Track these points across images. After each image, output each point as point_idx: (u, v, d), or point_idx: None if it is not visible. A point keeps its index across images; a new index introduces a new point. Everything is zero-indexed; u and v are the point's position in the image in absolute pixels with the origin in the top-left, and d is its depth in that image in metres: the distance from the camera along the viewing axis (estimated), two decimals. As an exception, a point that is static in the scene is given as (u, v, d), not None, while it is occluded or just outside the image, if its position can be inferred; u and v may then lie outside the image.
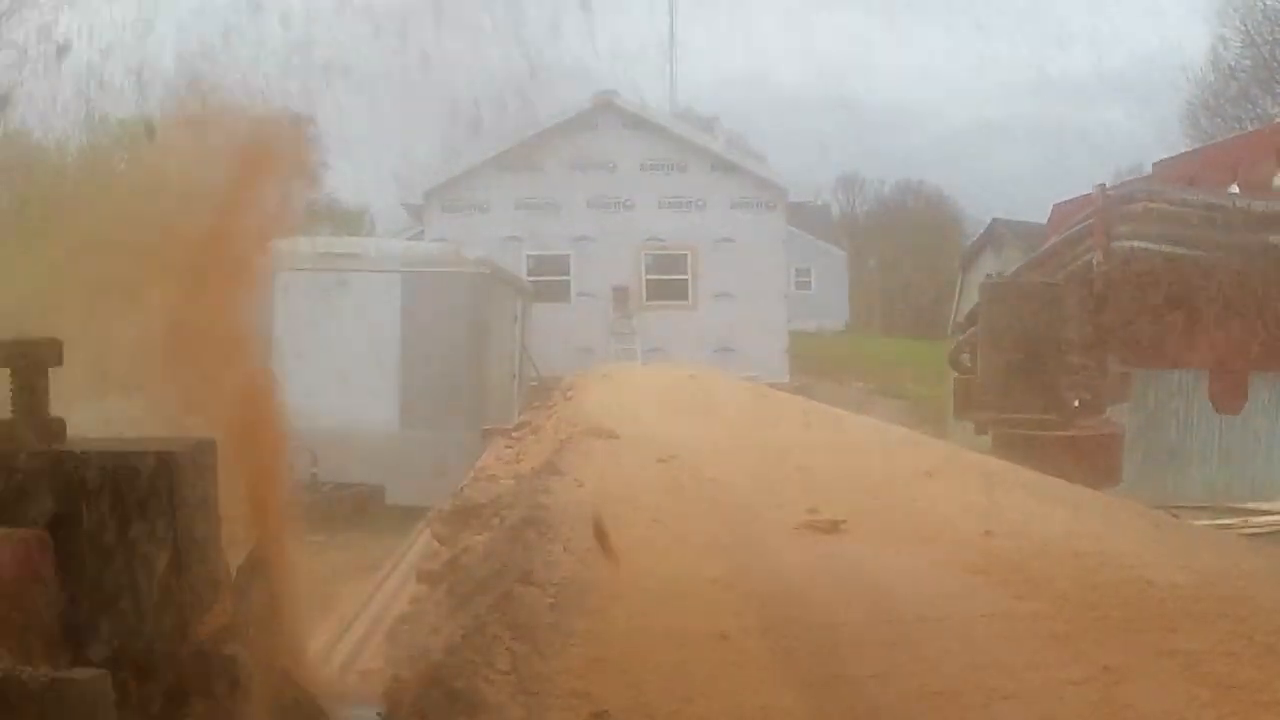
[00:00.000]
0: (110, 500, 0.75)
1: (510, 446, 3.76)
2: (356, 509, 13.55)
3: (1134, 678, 0.81)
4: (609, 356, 18.66)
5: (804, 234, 31.49)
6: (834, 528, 1.31)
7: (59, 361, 0.90)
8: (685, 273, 22.50)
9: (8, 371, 0.83)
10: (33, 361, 0.87)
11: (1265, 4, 23.14)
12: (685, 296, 22.48)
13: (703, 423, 2.76)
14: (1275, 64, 21.49)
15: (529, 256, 21.92)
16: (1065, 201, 6.90)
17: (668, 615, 0.99)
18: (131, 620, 0.73)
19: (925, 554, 1.19)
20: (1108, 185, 6.06)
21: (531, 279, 20.72)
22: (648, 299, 22.43)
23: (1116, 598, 0.98)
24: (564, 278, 22.29)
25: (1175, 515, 1.81)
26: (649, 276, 22.55)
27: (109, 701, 0.64)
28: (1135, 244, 5.53)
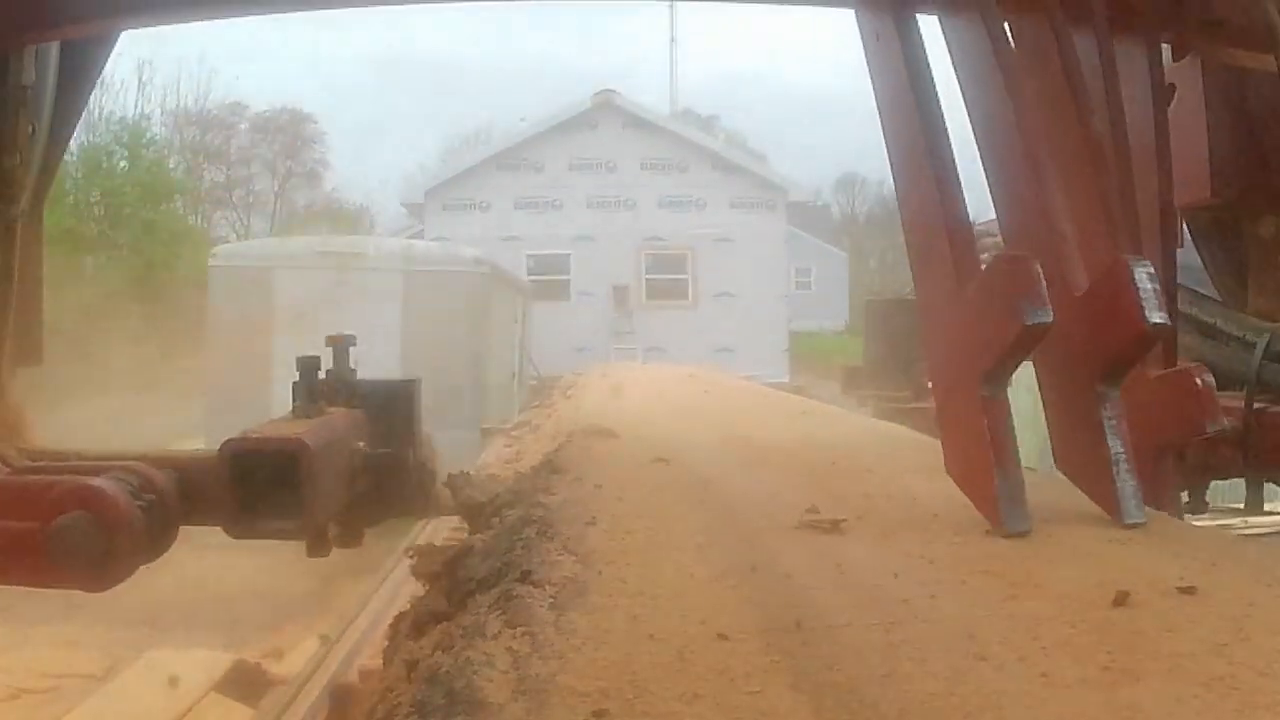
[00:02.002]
0: (384, 401, 1.57)
1: (510, 445, 3.76)
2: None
3: (1135, 679, 0.81)
4: (609, 356, 18.75)
5: (804, 234, 31.57)
6: (834, 527, 1.31)
7: (355, 344, 1.66)
8: (685, 272, 22.59)
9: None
10: (343, 344, 1.64)
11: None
12: (685, 296, 22.57)
13: (702, 422, 2.76)
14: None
15: (529, 256, 22.04)
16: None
17: (667, 615, 0.98)
18: (392, 452, 1.58)
19: (927, 553, 1.19)
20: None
21: (531, 278, 20.83)
22: (648, 298, 22.53)
23: (1116, 597, 0.98)
24: (564, 277, 22.40)
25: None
26: (649, 276, 22.65)
27: (413, 468, 1.54)
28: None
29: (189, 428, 12.83)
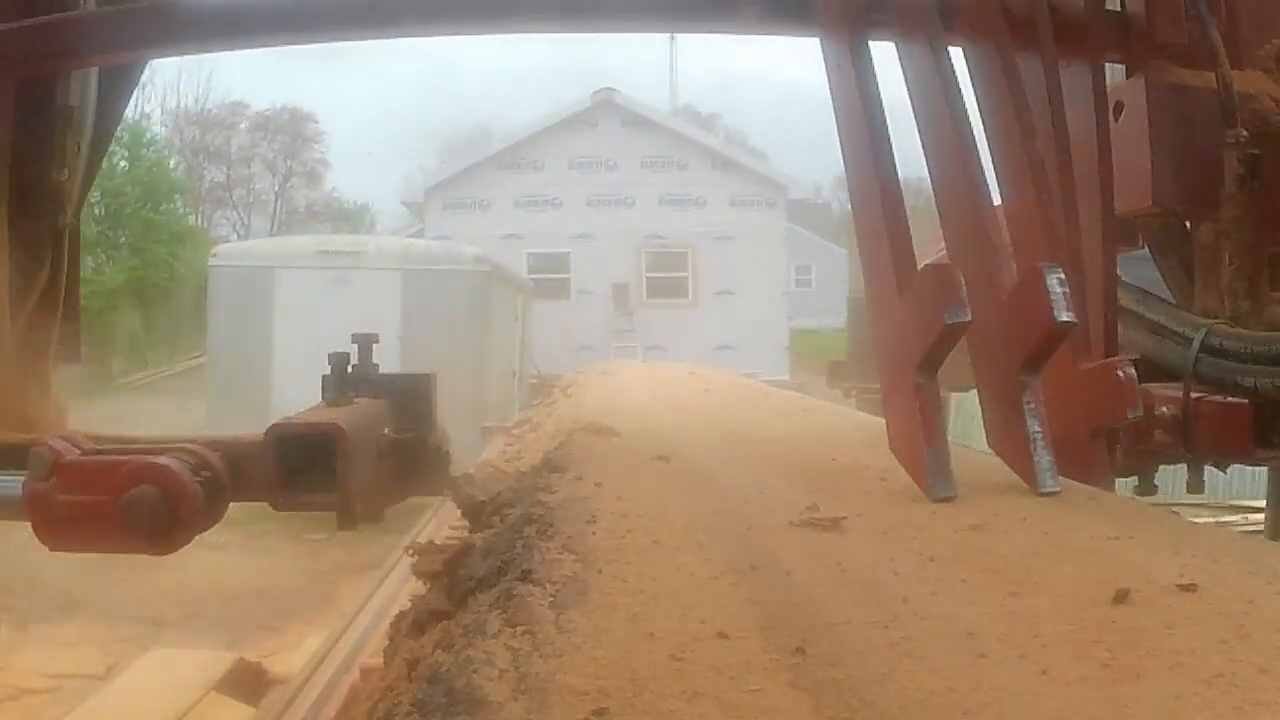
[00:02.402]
0: (404, 393, 1.71)
1: (510, 444, 3.76)
2: (357, 506, 13.56)
3: (1135, 676, 0.81)
4: (609, 354, 18.75)
5: (804, 231, 31.54)
6: (835, 525, 1.31)
7: (378, 341, 1.79)
8: (685, 270, 22.58)
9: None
10: (368, 341, 1.78)
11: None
12: (685, 294, 22.57)
13: (703, 420, 2.76)
14: None
15: (529, 254, 22.03)
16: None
17: (667, 613, 0.98)
18: (412, 437, 1.75)
19: (927, 551, 1.19)
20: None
21: (531, 276, 20.82)
22: (648, 296, 22.52)
23: (1116, 595, 0.98)
24: (564, 275, 22.40)
25: (1175, 512, 1.91)
26: (649, 274, 22.64)
27: (430, 451, 1.73)
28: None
29: (190, 428, 12.82)
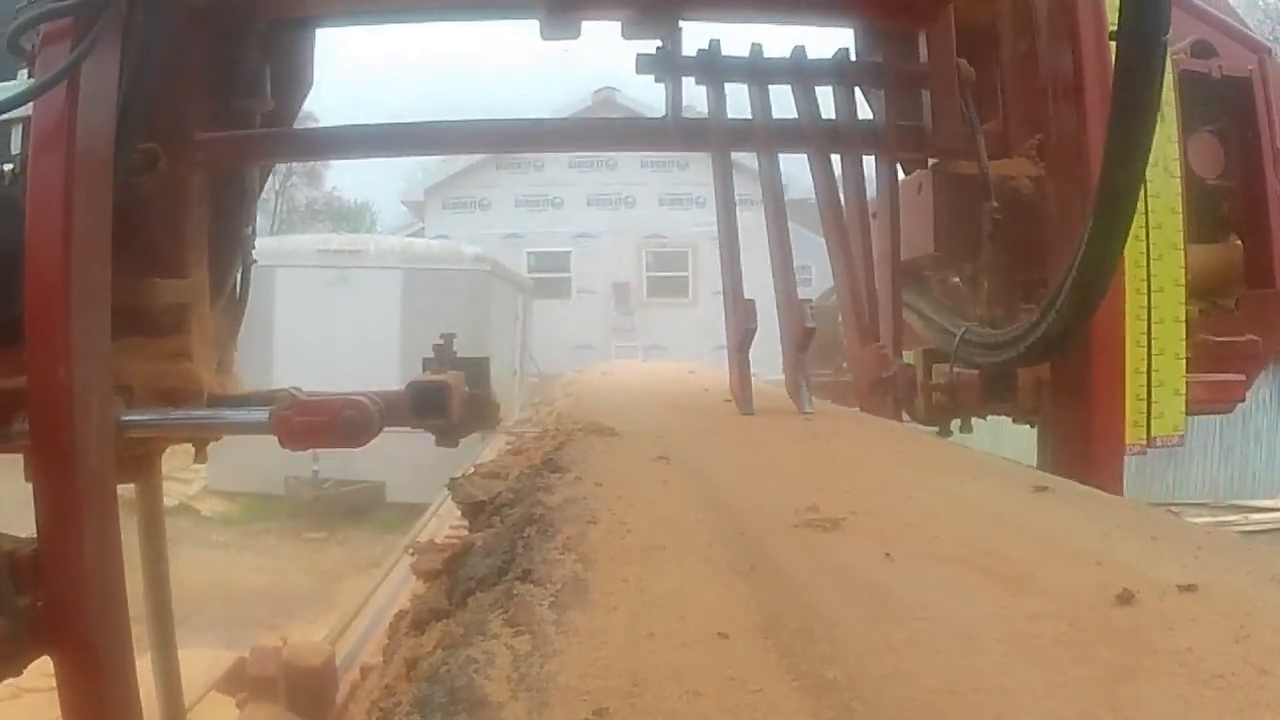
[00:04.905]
0: (471, 367, 2.44)
1: (510, 443, 3.76)
2: (358, 506, 13.58)
3: (1135, 677, 0.81)
4: (609, 353, 18.72)
5: (805, 231, 31.49)
6: (835, 526, 1.31)
7: (456, 335, 2.43)
8: (686, 269, 22.56)
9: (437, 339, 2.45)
10: (450, 336, 2.41)
11: (1265, 3, 23.13)
12: (685, 293, 22.55)
13: (703, 419, 2.76)
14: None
15: (529, 253, 22.02)
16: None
17: (668, 614, 0.99)
18: (477, 393, 2.38)
19: (926, 552, 1.19)
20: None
21: (532, 276, 20.80)
22: (648, 295, 22.51)
23: (1115, 596, 0.98)
24: (564, 275, 22.39)
25: (1175, 513, 1.94)
26: (649, 273, 22.63)
27: (488, 404, 2.43)
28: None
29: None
